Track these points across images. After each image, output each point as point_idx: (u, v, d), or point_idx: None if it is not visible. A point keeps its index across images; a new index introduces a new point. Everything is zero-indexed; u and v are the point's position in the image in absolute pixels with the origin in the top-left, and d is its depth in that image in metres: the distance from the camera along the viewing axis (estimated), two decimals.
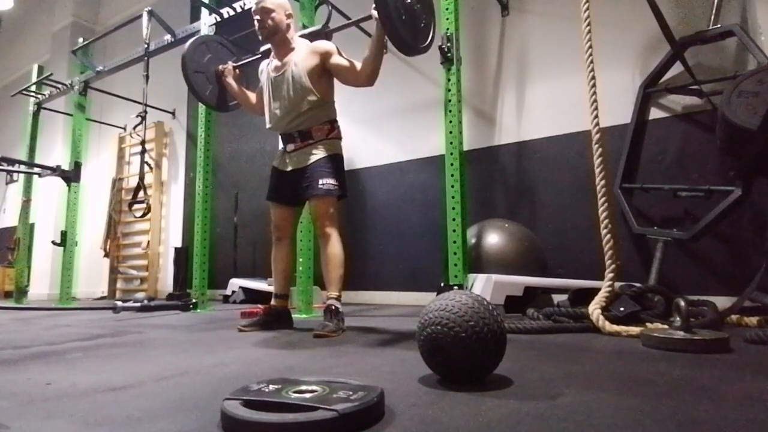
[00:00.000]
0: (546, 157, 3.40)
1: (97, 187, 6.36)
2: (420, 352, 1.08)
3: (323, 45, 2.14)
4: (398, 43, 1.79)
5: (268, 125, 2.25)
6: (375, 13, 1.87)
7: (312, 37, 2.16)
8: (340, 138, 2.21)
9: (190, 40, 2.56)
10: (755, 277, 1.99)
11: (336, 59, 2.08)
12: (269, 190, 2.27)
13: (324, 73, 2.11)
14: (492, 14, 3.75)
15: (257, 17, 2.14)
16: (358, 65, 2.04)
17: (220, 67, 2.47)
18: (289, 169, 2.16)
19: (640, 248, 2.94)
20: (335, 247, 2.06)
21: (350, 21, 2.12)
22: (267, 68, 2.25)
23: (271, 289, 2.33)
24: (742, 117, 2.05)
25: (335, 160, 2.14)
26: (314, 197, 2.09)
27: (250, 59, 2.46)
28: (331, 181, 2.08)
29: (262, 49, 2.25)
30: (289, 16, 2.18)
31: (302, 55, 2.12)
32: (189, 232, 4.95)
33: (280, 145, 2.27)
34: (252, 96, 2.41)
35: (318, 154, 2.11)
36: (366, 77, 2.01)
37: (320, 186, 2.06)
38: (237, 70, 2.47)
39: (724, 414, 0.81)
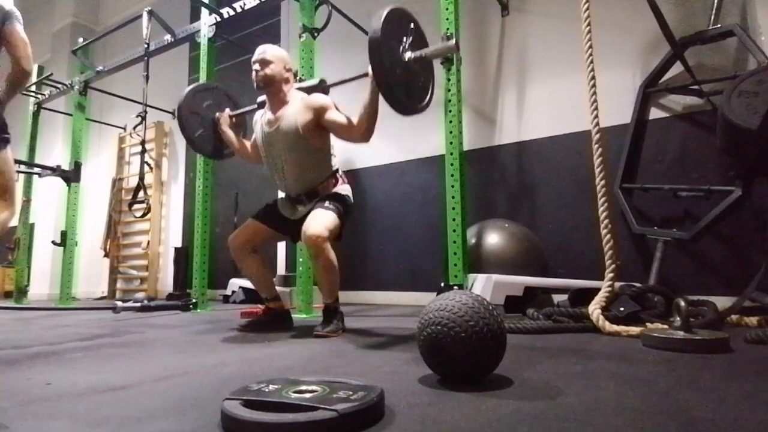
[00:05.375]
0: (546, 157, 3.40)
1: (97, 187, 6.36)
2: (420, 352, 1.08)
3: (318, 100, 2.06)
4: (393, 103, 1.72)
5: (270, 179, 2.23)
6: (370, 71, 1.77)
7: (308, 90, 2.12)
8: (345, 184, 2.19)
9: (193, 85, 2.54)
10: (755, 277, 1.99)
11: (331, 115, 2.01)
12: (260, 211, 2.21)
13: (319, 127, 2.05)
14: (492, 14, 3.75)
15: (255, 66, 2.11)
16: (354, 120, 1.95)
17: (217, 114, 2.43)
18: (297, 218, 2.10)
19: (640, 248, 2.94)
20: (329, 259, 1.92)
21: (346, 79, 2.08)
22: (261, 120, 2.21)
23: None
24: (742, 117, 2.05)
25: (340, 196, 2.11)
26: (314, 209, 2.01)
27: (248, 109, 2.46)
28: (333, 204, 2.03)
29: (259, 99, 2.23)
30: (288, 70, 2.15)
31: (296, 109, 2.06)
32: (189, 232, 4.95)
33: (282, 194, 2.24)
34: (248, 145, 2.38)
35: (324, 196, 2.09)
36: (361, 135, 1.94)
37: (325, 205, 2.01)
38: (233, 119, 2.44)
39: (724, 414, 0.81)
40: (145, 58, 3.56)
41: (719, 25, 2.72)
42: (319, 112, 2.03)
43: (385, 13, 1.68)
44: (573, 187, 3.22)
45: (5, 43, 2.10)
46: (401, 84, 1.76)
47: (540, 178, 3.41)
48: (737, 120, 2.06)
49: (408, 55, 1.77)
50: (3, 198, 2.12)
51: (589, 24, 2.09)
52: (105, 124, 6.06)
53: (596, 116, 2.06)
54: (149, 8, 3.66)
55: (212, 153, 2.56)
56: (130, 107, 4.93)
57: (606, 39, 3.00)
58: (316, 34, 3.14)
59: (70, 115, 4.82)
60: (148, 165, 3.62)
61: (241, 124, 2.55)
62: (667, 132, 2.98)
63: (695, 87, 2.77)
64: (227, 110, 2.45)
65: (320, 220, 1.93)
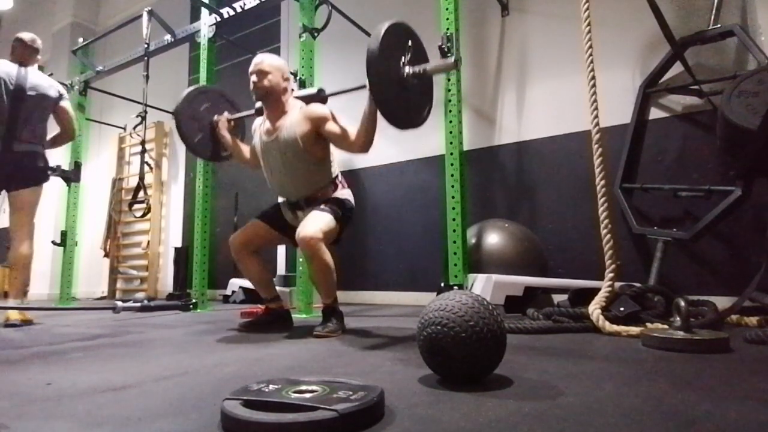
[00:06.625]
0: (546, 157, 3.40)
1: (97, 187, 6.36)
2: (420, 352, 1.08)
3: (317, 110, 2.04)
4: (389, 118, 1.71)
5: (269, 187, 2.23)
6: (368, 84, 1.75)
7: (307, 100, 2.12)
8: (346, 188, 2.19)
9: (190, 88, 2.52)
10: (755, 277, 1.99)
11: (330, 126, 2.01)
12: (265, 213, 2.21)
13: (318, 137, 2.05)
14: (492, 14, 3.75)
15: (253, 78, 2.10)
16: (353, 132, 1.95)
17: (215, 117, 2.42)
18: (297, 224, 2.08)
19: (640, 248, 2.94)
20: (323, 260, 1.91)
21: (345, 89, 2.08)
22: (259, 128, 2.20)
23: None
24: (742, 117, 2.05)
25: (340, 200, 2.11)
26: (312, 211, 2.01)
27: (246, 114, 2.44)
28: (331, 206, 2.03)
29: (257, 105, 2.23)
30: (286, 79, 2.14)
31: (295, 120, 2.05)
32: (189, 232, 4.95)
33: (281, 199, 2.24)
34: (246, 150, 2.37)
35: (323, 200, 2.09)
36: (359, 147, 1.94)
37: (321, 207, 2.02)
38: (231, 123, 2.43)
39: (724, 414, 0.81)
40: (145, 58, 3.56)
41: (719, 25, 2.71)
42: (317, 123, 2.02)
43: (384, 28, 1.66)
44: (573, 187, 3.22)
45: (58, 115, 2.80)
46: (398, 99, 1.75)
47: (540, 178, 3.40)
48: (737, 120, 2.06)
49: (406, 70, 1.76)
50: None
51: (589, 24, 2.09)
52: (105, 124, 6.05)
53: (596, 116, 2.06)
54: (149, 8, 3.66)
55: (210, 157, 2.55)
56: (130, 107, 4.93)
57: (606, 39, 3.00)
58: (316, 34, 3.14)
59: None
60: (148, 165, 3.62)
61: (239, 127, 2.54)
62: (667, 132, 2.98)
63: (695, 87, 2.76)
64: (225, 113, 2.43)
65: (315, 222, 1.93)
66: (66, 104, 2.82)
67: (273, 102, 2.12)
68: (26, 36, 2.79)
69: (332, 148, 2.14)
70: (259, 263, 2.21)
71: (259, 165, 2.25)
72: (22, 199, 2.63)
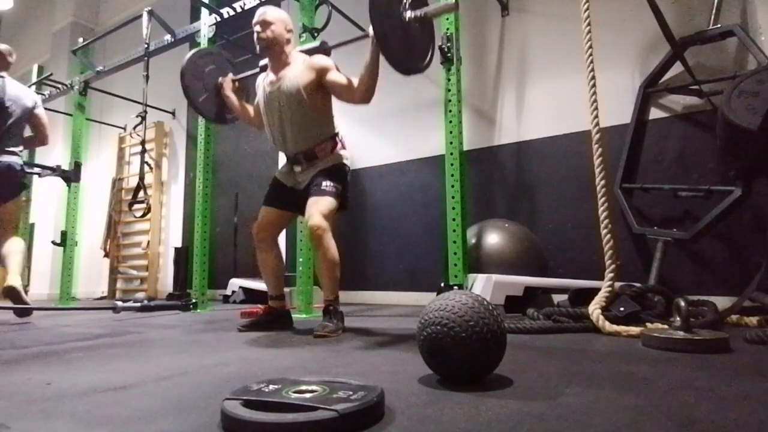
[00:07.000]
0: (546, 157, 3.40)
1: (97, 187, 6.36)
2: (420, 352, 1.08)
3: (320, 61, 2.09)
4: (393, 63, 1.76)
5: (270, 143, 2.26)
6: (371, 31, 1.80)
7: (310, 52, 2.16)
8: (344, 149, 2.21)
9: (196, 49, 2.57)
10: (755, 277, 1.99)
11: (332, 76, 2.04)
12: (268, 195, 2.25)
13: (320, 88, 2.07)
14: (492, 14, 3.75)
15: (257, 28, 2.13)
16: (356, 81, 1.98)
17: (220, 79, 2.45)
18: (300, 188, 2.15)
19: (640, 248, 2.94)
20: (329, 249, 1.98)
21: (348, 40, 2.12)
22: (263, 82, 2.23)
23: None
24: (742, 117, 2.04)
25: (338, 168, 2.14)
26: (312, 194, 2.05)
27: (250, 73, 2.47)
28: (331, 183, 2.07)
29: (261, 63, 2.25)
30: (289, 31, 2.17)
31: (298, 70, 2.08)
32: (189, 232, 4.95)
33: (283, 159, 2.26)
34: (251, 110, 2.40)
35: (322, 165, 2.12)
36: (361, 95, 1.96)
37: (322, 187, 2.05)
38: (236, 83, 2.45)
39: (724, 414, 0.81)
40: (145, 58, 3.56)
41: (719, 25, 2.71)
42: (320, 72, 2.06)
43: None
44: (573, 187, 3.22)
45: (33, 122, 2.93)
46: (402, 43, 1.80)
47: (540, 178, 3.41)
48: (737, 120, 2.05)
49: (408, 14, 1.81)
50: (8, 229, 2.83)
51: (589, 24, 2.09)
52: (105, 124, 6.06)
53: (596, 116, 2.06)
54: (149, 8, 3.66)
55: (215, 118, 2.58)
56: (130, 107, 4.94)
57: (606, 39, 3.00)
58: (316, 34, 3.14)
59: (70, 115, 4.82)
60: (148, 165, 3.63)
61: (244, 89, 2.56)
62: (667, 132, 2.98)
63: (695, 87, 2.76)
64: (230, 75, 2.46)
65: (319, 209, 1.98)
66: (40, 111, 2.94)
67: (276, 54, 2.15)
68: (3, 48, 2.93)
69: (333, 102, 2.16)
70: (278, 257, 2.27)
71: (263, 124, 2.27)
72: (4, 209, 2.81)
